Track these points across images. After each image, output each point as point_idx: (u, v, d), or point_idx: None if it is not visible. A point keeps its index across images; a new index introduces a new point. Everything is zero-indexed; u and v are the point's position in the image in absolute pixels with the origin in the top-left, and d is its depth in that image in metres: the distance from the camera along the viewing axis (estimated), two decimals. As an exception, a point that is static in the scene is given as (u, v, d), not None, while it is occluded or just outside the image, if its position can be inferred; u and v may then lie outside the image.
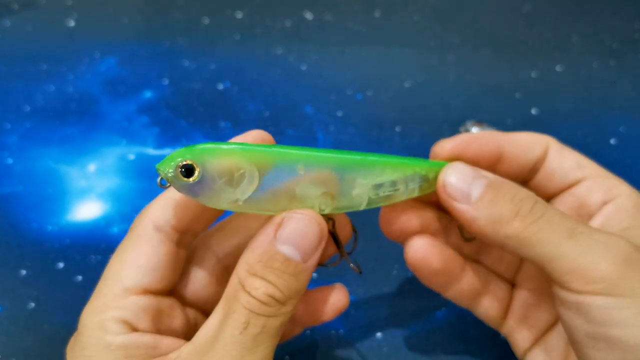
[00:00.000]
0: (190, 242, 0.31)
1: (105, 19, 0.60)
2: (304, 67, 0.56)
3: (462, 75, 0.56)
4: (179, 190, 0.26)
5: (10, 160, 0.49)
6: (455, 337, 0.39)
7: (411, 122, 0.52)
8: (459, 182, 0.30)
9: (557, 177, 0.33)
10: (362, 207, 0.29)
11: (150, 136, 0.50)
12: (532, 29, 0.60)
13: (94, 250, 0.43)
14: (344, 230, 0.32)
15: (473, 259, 0.35)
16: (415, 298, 0.41)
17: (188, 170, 0.26)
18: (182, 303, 0.31)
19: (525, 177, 0.34)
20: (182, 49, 0.57)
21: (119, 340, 0.27)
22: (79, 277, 0.42)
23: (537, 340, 0.33)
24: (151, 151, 0.49)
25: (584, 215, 0.32)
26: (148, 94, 0.54)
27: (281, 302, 0.26)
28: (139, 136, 0.50)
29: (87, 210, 0.46)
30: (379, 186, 0.29)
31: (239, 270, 0.27)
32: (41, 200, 0.46)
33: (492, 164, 0.33)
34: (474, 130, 0.49)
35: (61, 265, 0.43)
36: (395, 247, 0.44)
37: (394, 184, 0.30)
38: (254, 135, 0.29)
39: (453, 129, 0.51)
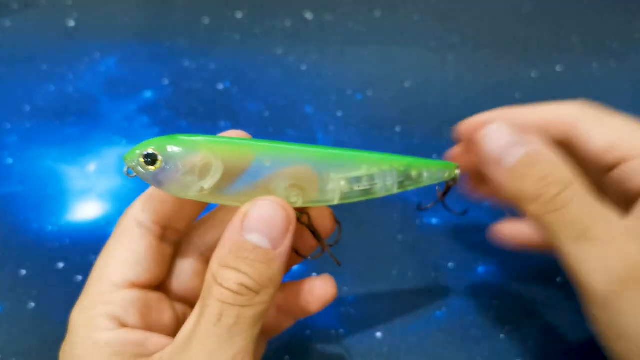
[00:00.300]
0: (174, 237, 0.31)
1: (105, 19, 0.60)
2: (304, 67, 0.56)
3: (462, 75, 0.56)
4: (144, 179, 0.27)
5: (10, 160, 0.49)
6: (455, 337, 0.39)
7: (411, 122, 0.52)
8: (494, 142, 0.29)
9: (591, 162, 0.31)
10: (336, 202, 0.29)
11: (150, 136, 0.50)
12: (532, 29, 0.60)
13: (94, 250, 0.43)
14: (326, 223, 0.32)
15: None
16: (415, 298, 0.41)
17: (151, 159, 0.26)
18: (170, 298, 0.31)
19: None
20: (182, 49, 0.57)
21: (106, 337, 0.27)
22: (79, 277, 0.42)
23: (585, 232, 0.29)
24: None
25: (628, 202, 0.29)
26: (148, 94, 0.54)
27: (255, 291, 0.26)
28: (139, 136, 0.50)
29: (87, 210, 0.46)
30: (354, 180, 0.29)
31: (212, 265, 0.27)
32: (41, 200, 0.46)
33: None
34: None
35: (61, 265, 0.43)
36: (395, 247, 0.44)
37: (371, 178, 0.30)
38: (230, 134, 0.30)
39: (453, 129, 0.51)
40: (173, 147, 0.27)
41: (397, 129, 0.52)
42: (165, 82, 0.54)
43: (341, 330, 0.39)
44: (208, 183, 0.27)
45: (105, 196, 0.47)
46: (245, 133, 0.30)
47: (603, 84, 0.55)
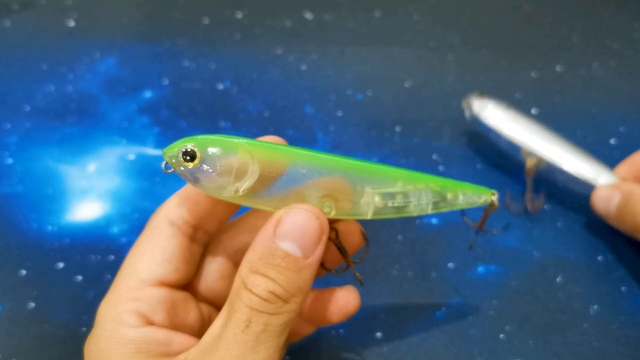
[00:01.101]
0: (204, 238, 0.31)
1: (105, 19, 0.60)
2: (304, 67, 0.56)
3: (462, 75, 0.56)
4: (181, 174, 0.27)
5: (10, 160, 0.49)
6: (455, 337, 0.39)
7: (411, 122, 0.52)
8: (600, 203, 0.42)
9: None
10: (369, 216, 0.29)
11: (150, 136, 0.50)
12: (532, 29, 0.60)
13: (94, 250, 0.43)
14: (354, 238, 0.31)
15: None
16: (415, 298, 0.41)
17: (190, 155, 0.26)
18: (196, 298, 0.31)
19: None
20: (182, 49, 0.57)
21: (132, 334, 0.27)
22: (79, 277, 0.42)
23: None
24: (151, 151, 0.49)
25: None
26: (148, 94, 0.54)
27: (283, 299, 0.26)
28: (139, 136, 0.50)
29: (87, 210, 0.46)
30: (388, 196, 0.29)
31: (242, 269, 0.27)
32: (41, 200, 0.46)
33: None
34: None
35: (61, 265, 0.43)
36: (395, 247, 0.44)
37: (405, 196, 0.29)
38: (267, 138, 0.30)
39: (453, 129, 0.51)
40: (212, 145, 0.27)
41: (397, 129, 0.52)
42: (165, 82, 0.54)
43: (341, 331, 0.39)
44: (244, 185, 0.27)
45: (105, 196, 0.47)
46: (281, 139, 0.30)
47: (603, 84, 0.55)
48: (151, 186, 0.47)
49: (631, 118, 0.52)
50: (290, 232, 0.26)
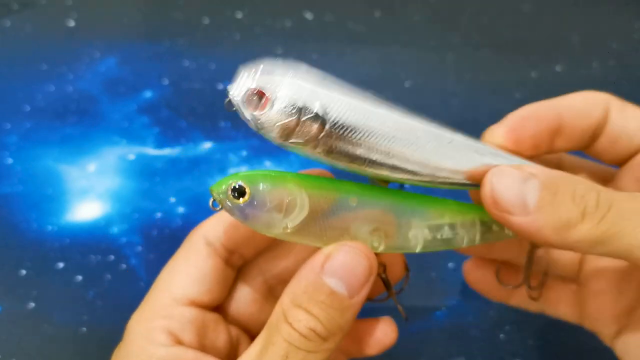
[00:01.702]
0: (239, 262, 0.31)
1: (105, 19, 0.60)
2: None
3: (462, 75, 0.56)
4: (229, 212, 0.26)
5: (10, 160, 0.49)
6: (455, 337, 0.39)
7: (411, 122, 0.52)
8: (509, 191, 0.25)
9: (622, 142, 0.29)
10: (418, 250, 0.28)
11: (150, 136, 0.50)
12: (532, 29, 0.60)
13: (94, 250, 0.43)
14: (397, 270, 0.31)
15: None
16: (415, 298, 0.41)
17: (239, 192, 0.25)
18: (225, 320, 0.31)
19: (585, 144, 0.30)
20: (182, 49, 0.57)
21: (162, 352, 0.27)
22: (79, 277, 0.42)
23: (623, 325, 0.31)
24: (151, 151, 0.49)
25: None
26: (148, 94, 0.54)
27: (323, 338, 0.25)
28: (139, 136, 0.50)
29: (87, 210, 0.46)
30: (436, 228, 0.28)
31: (284, 300, 0.26)
32: (41, 200, 0.46)
33: (552, 139, 0.29)
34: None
35: (61, 265, 0.43)
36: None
37: (452, 227, 0.29)
38: (314, 172, 0.29)
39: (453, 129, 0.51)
40: (263, 181, 0.26)
41: (397, 129, 0.52)
42: (165, 82, 0.54)
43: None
44: (294, 221, 0.26)
45: (105, 196, 0.46)
46: (328, 172, 0.29)
47: (603, 84, 0.55)
48: (151, 186, 0.47)
49: (631, 118, 0.52)
50: (338, 270, 0.25)
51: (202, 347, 0.29)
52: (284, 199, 0.26)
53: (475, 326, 0.40)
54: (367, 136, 0.26)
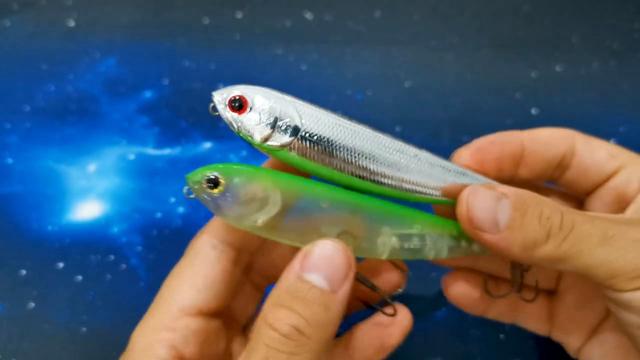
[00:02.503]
0: (247, 260, 0.31)
1: (105, 19, 0.60)
2: (304, 67, 0.56)
3: (462, 75, 0.56)
4: (202, 201, 0.27)
5: (10, 160, 0.49)
6: (455, 337, 0.39)
7: (411, 122, 0.52)
8: (482, 210, 0.27)
9: (591, 172, 0.32)
10: (385, 257, 0.29)
11: (150, 136, 0.50)
12: (532, 29, 0.60)
13: (94, 250, 0.43)
14: (391, 276, 0.32)
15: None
16: (415, 298, 0.41)
17: (214, 183, 0.26)
18: (226, 324, 0.31)
19: (553, 175, 0.33)
20: (182, 49, 0.57)
21: None
22: (79, 277, 0.42)
23: (590, 337, 0.33)
24: (151, 151, 0.49)
25: (625, 208, 0.31)
26: (148, 94, 0.54)
27: (306, 336, 0.24)
28: (139, 136, 0.50)
29: (87, 210, 0.46)
30: (405, 238, 0.29)
31: (265, 305, 0.26)
32: (41, 200, 0.46)
33: (515, 165, 0.32)
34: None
35: (61, 265, 0.43)
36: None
37: (421, 238, 0.29)
38: (291, 171, 0.29)
39: (453, 129, 0.51)
40: (237, 174, 0.27)
41: (397, 129, 0.52)
42: (165, 82, 0.54)
43: (341, 330, 0.39)
44: (264, 216, 0.27)
45: (105, 196, 0.47)
46: (306, 174, 0.29)
47: (603, 84, 0.55)
48: (151, 186, 0.47)
49: (631, 118, 0.52)
50: (317, 264, 0.25)
51: (204, 358, 0.28)
52: (257, 193, 0.26)
53: (475, 326, 0.40)
54: (338, 144, 0.28)
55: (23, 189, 0.47)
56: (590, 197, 0.33)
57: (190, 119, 0.52)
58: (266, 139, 0.27)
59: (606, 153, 0.32)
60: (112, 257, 0.43)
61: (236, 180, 0.26)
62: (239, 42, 0.59)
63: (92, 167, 0.48)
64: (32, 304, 0.41)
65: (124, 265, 0.43)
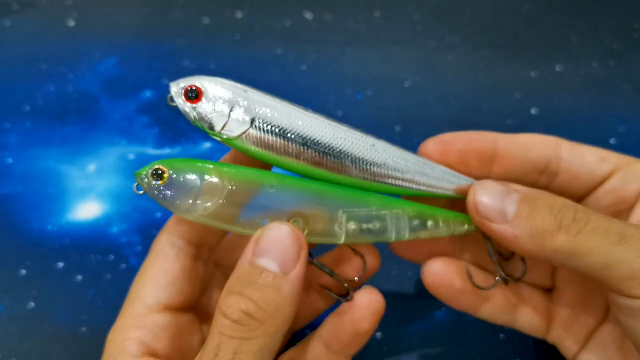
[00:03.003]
0: (208, 255, 0.31)
1: (105, 19, 0.60)
2: (304, 67, 0.56)
3: (462, 75, 0.56)
4: (150, 194, 0.28)
5: (10, 160, 0.49)
6: (455, 337, 0.39)
7: (411, 122, 0.52)
8: (491, 201, 0.28)
9: (583, 177, 0.31)
10: (343, 240, 0.29)
11: (150, 136, 0.50)
12: (532, 29, 0.60)
13: (94, 250, 0.43)
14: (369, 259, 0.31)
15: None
16: (415, 298, 0.41)
17: (159, 175, 0.27)
18: (204, 318, 0.31)
19: (539, 180, 0.32)
20: (182, 49, 0.57)
21: None
22: (79, 277, 0.42)
23: (588, 340, 0.32)
24: (151, 151, 0.49)
25: (623, 211, 0.30)
26: (148, 94, 0.54)
27: (259, 321, 0.24)
28: (139, 136, 0.50)
29: (87, 210, 0.46)
30: (363, 219, 0.29)
31: (221, 296, 0.26)
32: (41, 200, 0.46)
33: (484, 163, 0.31)
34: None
35: (61, 265, 0.43)
36: (395, 247, 0.44)
37: (381, 219, 0.29)
38: (237, 160, 0.30)
39: (453, 129, 0.51)
40: (181, 165, 0.28)
41: (397, 129, 0.52)
42: (165, 82, 0.54)
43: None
44: (210, 205, 0.27)
45: (105, 196, 0.47)
46: (258, 163, 0.30)
47: (603, 84, 0.55)
48: (151, 186, 0.47)
49: (631, 118, 0.52)
50: (267, 248, 0.25)
51: (178, 352, 0.29)
52: (201, 182, 0.27)
53: (475, 326, 0.40)
54: (293, 133, 0.28)
55: (23, 189, 0.47)
56: (584, 202, 0.32)
57: (190, 119, 0.52)
58: (222, 129, 0.28)
59: (596, 157, 0.31)
60: (112, 257, 0.43)
61: (179, 170, 0.27)
62: (239, 42, 0.59)
63: (92, 167, 0.48)
64: (32, 304, 0.41)
65: (124, 265, 0.43)
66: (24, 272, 0.42)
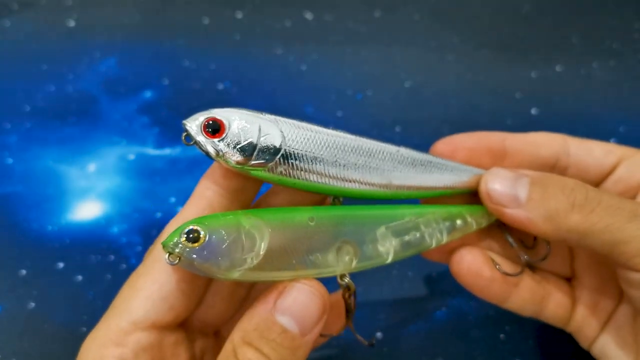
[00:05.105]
0: None
1: (105, 19, 0.60)
2: (304, 67, 0.56)
3: (462, 75, 0.56)
4: (188, 262, 0.24)
5: (10, 160, 0.49)
6: (455, 337, 0.39)
7: (411, 122, 0.52)
8: (502, 186, 0.29)
9: (592, 169, 0.32)
10: (390, 259, 0.28)
11: (150, 136, 0.50)
12: (532, 29, 0.60)
13: (94, 250, 0.43)
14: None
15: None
16: (415, 298, 0.41)
17: (194, 238, 0.24)
18: (191, 333, 0.30)
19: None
20: (182, 49, 0.57)
21: None
22: (79, 277, 0.42)
23: (605, 324, 0.33)
24: (151, 151, 0.49)
25: (630, 198, 0.31)
26: (148, 94, 0.54)
27: None
28: (139, 136, 0.50)
29: (87, 210, 0.46)
30: (402, 232, 0.28)
31: (234, 336, 0.25)
32: (41, 200, 0.46)
33: (494, 159, 0.32)
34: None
35: (61, 265, 0.43)
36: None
37: (417, 228, 0.29)
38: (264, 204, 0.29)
39: (453, 129, 0.51)
40: (213, 220, 0.25)
41: (397, 129, 0.52)
42: (165, 82, 0.54)
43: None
44: (257, 253, 0.25)
45: (105, 196, 0.46)
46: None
47: (603, 84, 0.55)
48: (151, 186, 0.47)
49: (631, 118, 0.53)
50: (291, 308, 0.25)
51: None
52: (241, 232, 0.24)
53: (475, 326, 0.40)
54: (321, 158, 0.27)
55: (23, 189, 0.47)
56: None
57: (190, 119, 0.52)
58: (247, 160, 0.25)
59: (603, 150, 0.32)
60: (112, 257, 0.43)
61: (213, 227, 0.24)
62: (239, 42, 0.59)
63: (92, 167, 0.48)
64: (32, 304, 0.41)
65: (124, 265, 0.43)
66: (24, 272, 0.42)
